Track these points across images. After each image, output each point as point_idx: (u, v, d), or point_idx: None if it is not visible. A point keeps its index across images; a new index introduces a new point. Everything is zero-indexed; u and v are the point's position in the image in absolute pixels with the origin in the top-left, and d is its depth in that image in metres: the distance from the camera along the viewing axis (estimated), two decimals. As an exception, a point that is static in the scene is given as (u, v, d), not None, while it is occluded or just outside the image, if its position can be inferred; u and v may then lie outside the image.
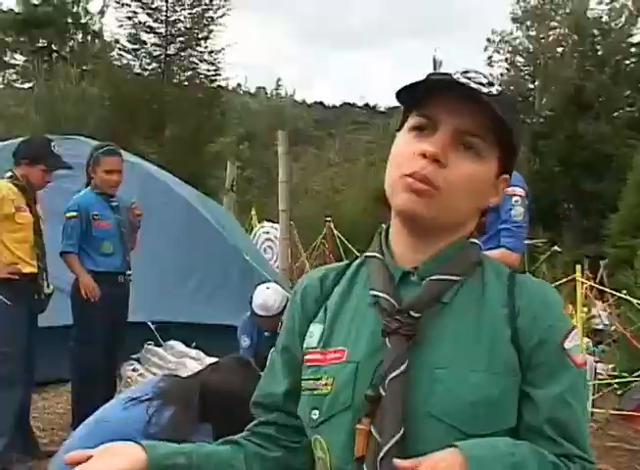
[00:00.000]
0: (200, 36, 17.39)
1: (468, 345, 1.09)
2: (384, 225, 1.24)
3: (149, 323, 5.76)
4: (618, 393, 6.31)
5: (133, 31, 17.18)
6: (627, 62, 27.22)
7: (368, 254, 1.23)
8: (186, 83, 17.61)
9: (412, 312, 1.10)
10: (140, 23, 17.16)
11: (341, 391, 1.12)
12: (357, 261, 1.27)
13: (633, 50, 27.46)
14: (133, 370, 5.45)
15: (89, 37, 24.82)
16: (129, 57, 17.53)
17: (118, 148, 4.97)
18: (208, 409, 2.43)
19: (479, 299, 1.14)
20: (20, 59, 25.37)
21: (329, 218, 13.25)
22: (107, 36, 21.35)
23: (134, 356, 5.65)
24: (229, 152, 21.26)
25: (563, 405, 1.09)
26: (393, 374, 1.07)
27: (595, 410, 5.66)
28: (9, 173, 4.33)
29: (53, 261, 4.52)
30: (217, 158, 17.62)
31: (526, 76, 30.50)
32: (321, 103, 64.33)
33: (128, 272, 4.83)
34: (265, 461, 1.24)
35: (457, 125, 1.11)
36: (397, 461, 1.02)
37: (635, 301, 7.23)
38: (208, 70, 17.58)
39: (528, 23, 30.49)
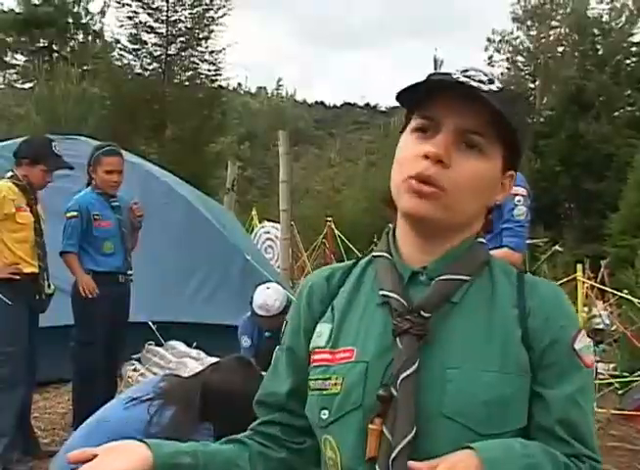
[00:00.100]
0: (200, 36, 17.37)
1: (479, 344, 1.10)
2: (390, 225, 1.24)
3: (150, 323, 5.76)
4: (619, 392, 6.31)
5: (134, 31, 17.15)
6: (628, 61, 27.22)
7: (375, 253, 1.23)
8: (187, 83, 17.57)
9: (422, 312, 1.10)
10: (141, 22, 17.13)
11: (351, 390, 1.12)
12: (364, 261, 1.27)
13: (634, 49, 27.47)
14: (134, 370, 5.46)
15: (90, 37, 24.82)
16: (130, 57, 17.50)
17: (119, 148, 4.97)
18: (209, 409, 2.43)
19: (488, 299, 1.14)
20: (20, 59, 25.40)
21: (330, 218, 13.25)
22: (107, 36, 21.33)
23: (135, 356, 5.66)
24: (230, 152, 21.27)
25: (573, 406, 1.10)
26: (405, 374, 1.07)
27: (596, 410, 5.65)
28: (10, 173, 4.33)
29: (54, 261, 4.52)
30: (218, 158, 17.58)
31: (527, 76, 30.54)
32: (322, 103, 64.44)
33: (129, 272, 4.83)
34: (269, 461, 1.23)
35: (459, 124, 1.11)
36: (412, 463, 1.02)
37: (636, 300, 7.23)
38: (209, 70, 17.55)
39: (529, 22, 30.52)
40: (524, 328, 1.11)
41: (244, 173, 27.03)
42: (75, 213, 4.63)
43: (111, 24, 41.72)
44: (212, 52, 17.46)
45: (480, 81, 1.11)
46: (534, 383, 1.10)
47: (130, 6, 17.01)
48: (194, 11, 17.35)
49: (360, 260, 1.28)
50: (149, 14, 17.15)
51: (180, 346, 5.73)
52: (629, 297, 7.59)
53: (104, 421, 2.47)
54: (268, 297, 4.78)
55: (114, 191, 4.79)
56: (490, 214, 1.23)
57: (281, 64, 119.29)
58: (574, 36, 28.38)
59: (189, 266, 6.44)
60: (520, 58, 30.87)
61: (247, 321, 4.96)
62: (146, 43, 17.30)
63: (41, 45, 24.63)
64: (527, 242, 4.83)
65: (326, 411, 1.14)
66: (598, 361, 6.98)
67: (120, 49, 17.61)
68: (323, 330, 1.20)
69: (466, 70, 1.13)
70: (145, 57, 17.39)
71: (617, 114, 26.31)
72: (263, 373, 2.44)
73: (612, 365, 7.25)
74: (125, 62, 17.60)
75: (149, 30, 17.26)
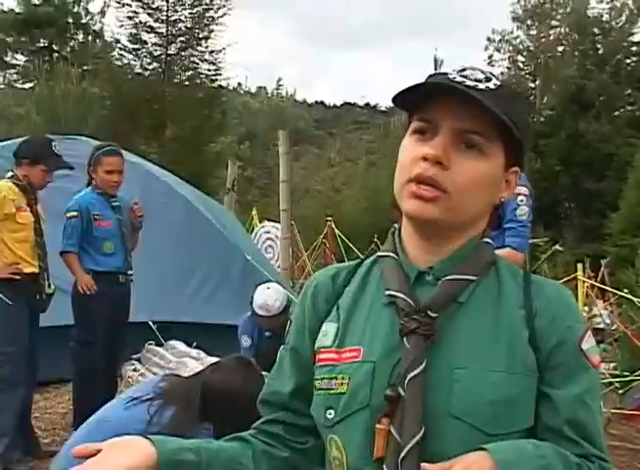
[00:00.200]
0: (200, 36, 17.36)
1: (486, 345, 1.10)
2: (396, 225, 1.24)
3: (150, 323, 5.76)
4: (620, 392, 6.30)
5: (134, 31, 17.14)
6: (628, 61, 27.24)
7: (381, 253, 1.23)
8: (187, 83, 17.57)
9: (429, 312, 1.10)
10: (141, 22, 17.13)
11: (358, 390, 1.12)
12: (369, 260, 1.27)
13: (634, 49, 27.49)
14: (134, 370, 5.45)
15: (90, 37, 24.84)
16: (130, 57, 17.50)
17: (119, 148, 4.97)
18: (209, 409, 2.43)
19: (495, 299, 1.14)
20: (20, 59, 25.43)
21: (330, 218, 13.25)
22: (107, 36, 21.33)
23: (135, 356, 5.65)
24: (230, 152, 21.26)
25: (582, 406, 1.10)
26: (413, 374, 1.07)
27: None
28: (10, 173, 4.33)
29: (54, 261, 4.52)
30: (218, 157, 17.58)
31: (527, 75, 30.54)
32: (322, 102, 64.45)
33: (129, 272, 4.83)
34: (273, 460, 1.23)
35: (456, 125, 1.11)
36: (427, 465, 1.02)
37: (636, 299, 7.23)
38: (209, 70, 17.55)
39: (529, 22, 30.54)
40: (530, 329, 1.12)
41: (244, 173, 27.03)
42: (75, 213, 4.63)
43: (111, 24, 41.78)
44: (212, 52, 17.46)
45: (477, 80, 1.11)
46: (541, 383, 1.10)
47: (130, 6, 17.02)
48: (194, 11, 17.35)
49: (365, 260, 1.28)
50: (149, 14, 17.15)
51: (180, 346, 5.72)
52: (630, 296, 7.58)
53: (104, 421, 2.47)
54: (268, 297, 4.78)
55: (115, 191, 4.78)
56: (497, 211, 1.23)
57: (281, 64, 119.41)
58: (575, 36, 28.39)
59: (189, 266, 6.44)
60: (520, 57, 30.89)
61: (247, 321, 4.96)
62: (146, 43, 17.30)
63: (41, 45, 24.65)
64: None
65: (332, 411, 1.14)
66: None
67: (120, 49, 17.62)
68: (329, 329, 1.20)
69: (463, 70, 1.13)
70: (145, 57, 17.39)
71: (617, 113, 26.33)
72: (263, 373, 2.46)
73: (612, 365, 7.24)
74: (125, 62, 17.61)
75: (149, 30, 17.26)
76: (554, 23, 30.21)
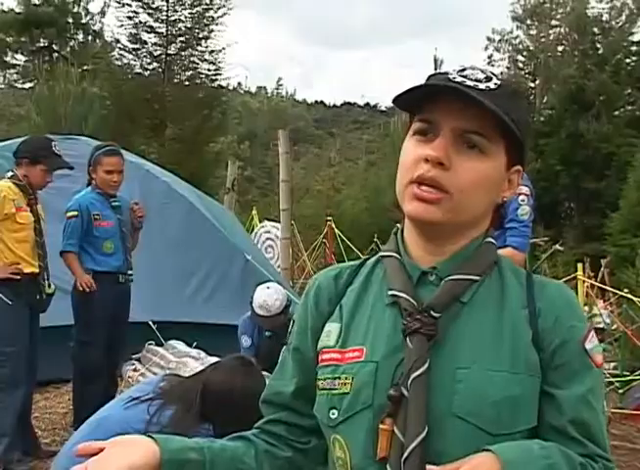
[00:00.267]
0: (200, 36, 17.34)
1: (489, 344, 1.10)
2: (399, 225, 1.24)
3: (150, 323, 5.76)
4: (620, 391, 6.30)
5: (134, 31, 17.12)
6: (628, 60, 27.23)
7: (384, 253, 1.23)
8: (187, 83, 17.55)
9: (432, 312, 1.10)
10: (141, 22, 17.10)
11: (361, 390, 1.12)
12: (371, 260, 1.27)
13: (634, 48, 27.48)
14: (134, 370, 5.45)
15: (90, 37, 24.88)
16: (130, 57, 17.46)
17: (119, 148, 4.98)
18: (209, 409, 2.43)
19: (498, 299, 1.14)
20: (20, 59, 25.47)
21: (330, 217, 13.26)
22: (107, 36, 21.35)
23: (135, 356, 5.65)
24: (230, 151, 21.29)
25: (585, 406, 1.10)
26: (416, 374, 1.07)
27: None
28: (10, 173, 4.33)
29: (54, 261, 4.52)
30: (218, 157, 17.59)
31: (527, 75, 30.53)
32: (322, 102, 64.43)
33: (129, 272, 4.83)
34: (275, 460, 1.23)
35: (457, 126, 1.11)
36: (432, 467, 1.02)
37: (636, 299, 7.23)
38: (209, 70, 17.52)
39: (529, 21, 30.55)
40: (534, 329, 1.12)
41: (244, 173, 27.04)
42: (75, 213, 4.64)
43: (111, 24, 41.78)
44: (212, 52, 17.43)
45: (477, 80, 1.11)
46: (545, 383, 1.10)
47: (130, 6, 16.99)
48: (194, 11, 17.32)
49: (368, 260, 1.28)
50: (149, 14, 17.13)
51: (180, 346, 5.72)
52: (630, 296, 7.59)
53: (104, 421, 2.47)
54: (268, 296, 4.78)
55: (115, 191, 4.79)
56: (500, 210, 1.23)
57: (281, 64, 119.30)
58: (574, 35, 28.39)
59: (189, 266, 6.44)
60: (520, 57, 30.89)
61: (247, 321, 4.96)
62: (146, 43, 17.28)
63: (41, 45, 24.68)
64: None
65: (335, 411, 1.14)
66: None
67: (120, 49, 17.59)
68: (332, 329, 1.20)
69: (463, 70, 1.13)
70: (145, 57, 17.36)
71: (617, 113, 26.31)
72: (263, 373, 2.46)
73: (612, 364, 7.24)
74: (125, 61, 17.57)
75: (149, 30, 17.23)
76: (554, 22, 30.22)
